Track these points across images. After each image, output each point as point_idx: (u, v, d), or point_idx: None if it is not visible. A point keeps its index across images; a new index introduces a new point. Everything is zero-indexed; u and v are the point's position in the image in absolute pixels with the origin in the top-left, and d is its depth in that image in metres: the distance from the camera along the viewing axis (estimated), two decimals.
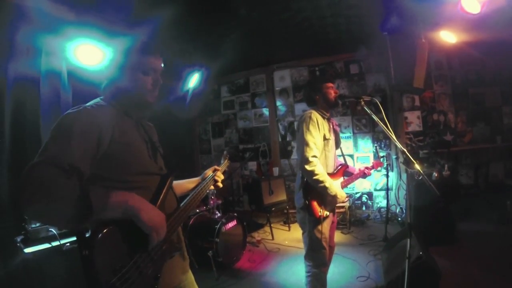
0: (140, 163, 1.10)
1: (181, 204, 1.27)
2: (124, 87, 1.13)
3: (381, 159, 4.58)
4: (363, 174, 2.31)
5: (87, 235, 0.90)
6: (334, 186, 2.00)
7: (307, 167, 1.93)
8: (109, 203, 0.90)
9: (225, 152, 1.79)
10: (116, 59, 1.13)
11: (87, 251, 0.87)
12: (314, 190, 2.01)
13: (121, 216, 0.94)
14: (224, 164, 1.69)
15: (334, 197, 2.00)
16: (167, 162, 1.27)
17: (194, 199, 1.33)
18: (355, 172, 2.32)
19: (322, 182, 1.94)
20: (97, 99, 1.14)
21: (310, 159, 1.93)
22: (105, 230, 0.91)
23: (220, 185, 1.55)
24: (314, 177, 1.93)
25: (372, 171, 2.37)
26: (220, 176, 1.55)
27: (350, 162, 2.47)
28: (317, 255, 2.06)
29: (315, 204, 2.01)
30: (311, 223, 2.04)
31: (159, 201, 1.10)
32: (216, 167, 1.58)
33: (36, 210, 0.85)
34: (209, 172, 1.54)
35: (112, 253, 0.92)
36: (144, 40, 1.16)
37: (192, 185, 1.50)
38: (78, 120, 0.98)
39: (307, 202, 2.00)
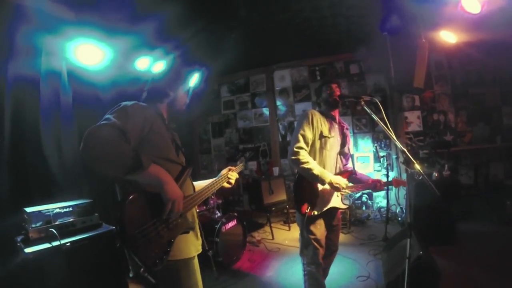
0: (167, 151, 1.38)
1: (197, 191, 1.53)
2: (171, 102, 1.51)
3: (382, 159, 4.59)
4: (374, 187, 2.05)
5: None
6: (328, 173, 1.93)
7: (293, 157, 1.94)
8: (147, 170, 1.18)
9: (242, 158, 2.04)
10: (176, 80, 1.54)
11: (119, 211, 1.14)
12: (304, 187, 1.99)
13: (150, 184, 1.21)
14: (239, 166, 1.91)
15: (330, 185, 1.93)
16: (188, 160, 1.53)
17: (208, 189, 1.59)
18: (365, 181, 2.11)
19: (310, 169, 1.90)
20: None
21: (295, 149, 1.94)
22: (132, 196, 1.18)
23: (233, 182, 1.77)
24: (302, 165, 1.91)
25: (385, 187, 2.14)
26: (233, 175, 1.77)
27: (350, 163, 2.41)
28: (309, 253, 2.05)
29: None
30: (302, 221, 2.03)
31: (179, 184, 1.33)
32: (231, 167, 1.80)
33: (97, 155, 1.12)
34: (225, 171, 1.77)
35: (136, 213, 1.17)
36: (203, 69, 1.40)
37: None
38: (133, 107, 1.30)
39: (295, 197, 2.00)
